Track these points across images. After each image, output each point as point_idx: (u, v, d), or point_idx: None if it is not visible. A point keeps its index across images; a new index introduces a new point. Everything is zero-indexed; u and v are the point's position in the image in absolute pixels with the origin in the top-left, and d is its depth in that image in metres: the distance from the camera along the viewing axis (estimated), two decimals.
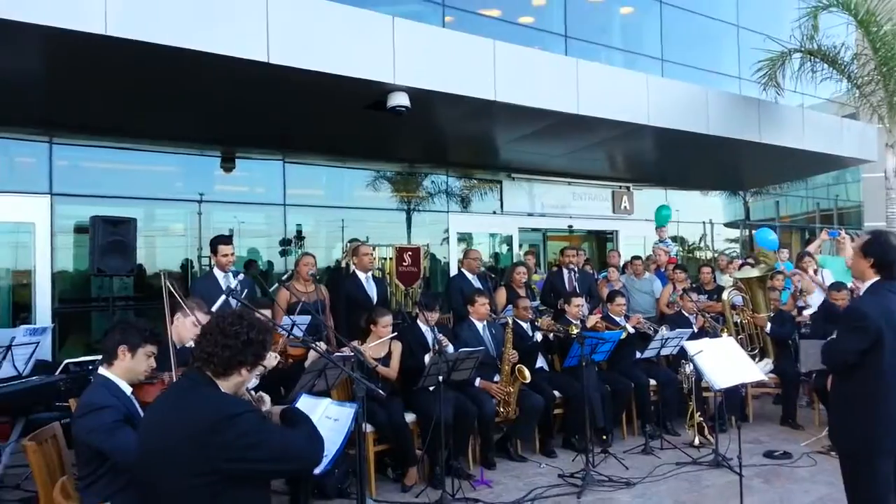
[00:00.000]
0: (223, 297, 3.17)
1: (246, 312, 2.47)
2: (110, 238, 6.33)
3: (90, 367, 5.04)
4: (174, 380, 3.36)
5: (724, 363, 4.18)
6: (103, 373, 2.96)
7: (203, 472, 2.14)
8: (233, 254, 5.57)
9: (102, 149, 7.89)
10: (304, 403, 3.27)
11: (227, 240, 5.61)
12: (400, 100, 6.39)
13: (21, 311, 7.39)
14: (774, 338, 7.25)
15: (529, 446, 5.99)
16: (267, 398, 3.11)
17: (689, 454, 5.83)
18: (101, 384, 2.92)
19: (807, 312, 7.54)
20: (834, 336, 3.39)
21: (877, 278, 3.34)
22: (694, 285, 8.89)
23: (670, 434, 6.43)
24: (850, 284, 6.60)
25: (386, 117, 6.70)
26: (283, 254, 9.18)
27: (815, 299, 7.66)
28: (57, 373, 4.39)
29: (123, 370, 2.97)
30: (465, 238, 10.82)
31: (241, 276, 4.62)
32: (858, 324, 3.24)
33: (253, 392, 2.88)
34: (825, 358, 3.44)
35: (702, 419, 6.32)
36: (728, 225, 15.17)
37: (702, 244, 14.20)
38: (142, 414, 3.02)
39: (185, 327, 3.97)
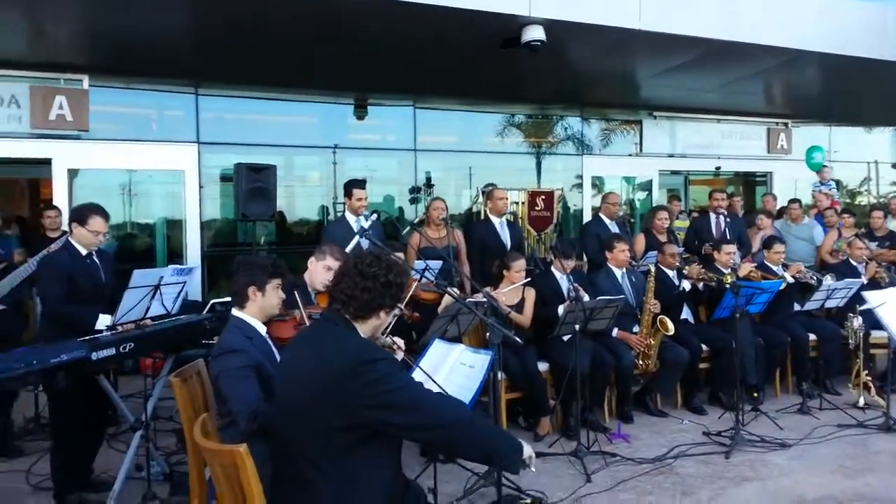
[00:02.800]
0: (356, 237, 3.10)
1: (383, 253, 2.38)
2: (253, 184, 6.56)
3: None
4: (304, 316, 3.37)
5: None
6: (237, 314, 2.98)
7: (340, 417, 2.08)
8: (366, 198, 5.56)
9: (244, 99, 8.17)
10: (438, 349, 3.20)
11: (361, 184, 5.61)
12: (535, 34, 6.03)
13: (174, 256, 7.93)
14: None
15: (671, 401, 5.64)
16: (401, 343, 3.04)
17: (853, 416, 5.26)
18: (236, 326, 2.95)
19: None
20: None
21: None
22: (863, 231, 7.98)
23: (830, 393, 5.84)
24: None
25: (518, 56, 6.38)
26: (413, 201, 9.20)
27: None
28: (204, 312, 4.60)
29: (257, 309, 2.98)
30: (598, 184, 10.33)
31: (373, 217, 4.56)
32: None
33: (388, 337, 2.82)
34: None
35: (869, 378, 5.67)
36: None
37: (864, 188, 12.73)
38: (276, 352, 3.05)
39: (318, 271, 3.97)
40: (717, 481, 4.12)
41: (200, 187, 7.87)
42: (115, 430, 4.97)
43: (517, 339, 3.03)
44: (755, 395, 5.60)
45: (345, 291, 2.25)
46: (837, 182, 11.01)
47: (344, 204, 5.77)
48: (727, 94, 9.45)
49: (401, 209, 9.36)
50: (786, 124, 11.46)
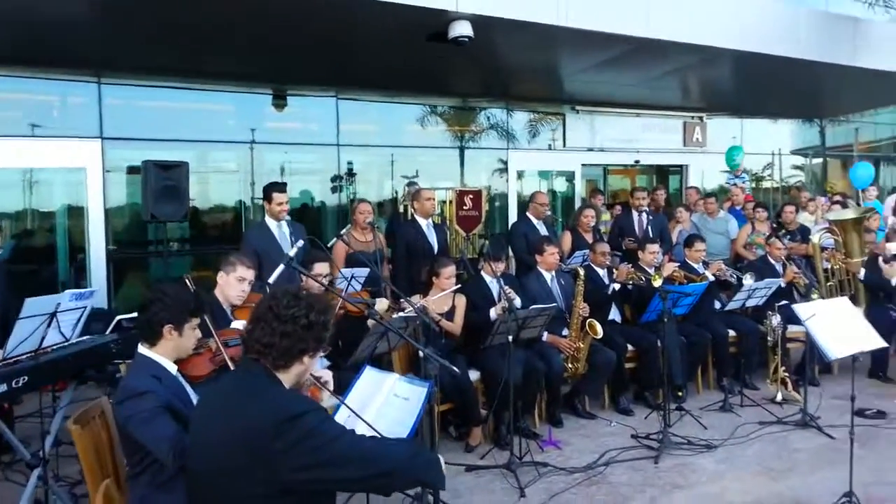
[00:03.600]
0: (281, 266, 2.87)
1: (302, 290, 2.14)
2: (163, 183, 6.15)
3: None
4: (220, 347, 3.11)
5: (839, 329, 3.71)
6: (145, 353, 2.67)
7: (266, 484, 1.86)
8: (287, 202, 5.27)
9: (152, 89, 7.64)
10: (369, 379, 2.99)
11: (281, 187, 5.31)
12: (462, 29, 5.88)
13: (76, 256, 7.37)
14: (868, 284, 6.66)
15: (598, 402, 5.68)
16: (329, 379, 2.85)
17: (772, 412, 5.43)
18: (143, 366, 2.65)
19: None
20: None
21: None
22: (774, 224, 8.30)
23: (749, 388, 6.02)
24: None
25: (445, 49, 6.20)
26: (335, 190, 8.91)
27: None
28: (108, 331, 4.24)
29: (170, 349, 2.68)
30: (523, 175, 10.33)
31: (300, 244, 4.22)
32: None
33: (313, 373, 2.61)
34: None
35: (786, 374, 5.87)
36: (796, 152, 14.16)
37: (767, 174, 13.32)
38: (189, 391, 2.79)
39: (230, 284, 3.71)
40: (648, 489, 4.14)
41: (104, 185, 7.31)
42: (10, 458, 4.53)
43: (455, 368, 2.88)
44: (679, 393, 5.71)
45: (261, 340, 2.02)
46: (746, 171, 11.43)
47: (264, 208, 5.45)
48: (646, 90, 9.60)
49: (323, 203, 9.06)
50: (701, 118, 11.78)
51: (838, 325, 3.73)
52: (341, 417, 2.60)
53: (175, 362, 2.74)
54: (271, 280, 3.05)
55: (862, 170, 9.75)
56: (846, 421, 3.82)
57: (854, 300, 6.63)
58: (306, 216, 8.63)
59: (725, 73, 9.13)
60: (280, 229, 5.16)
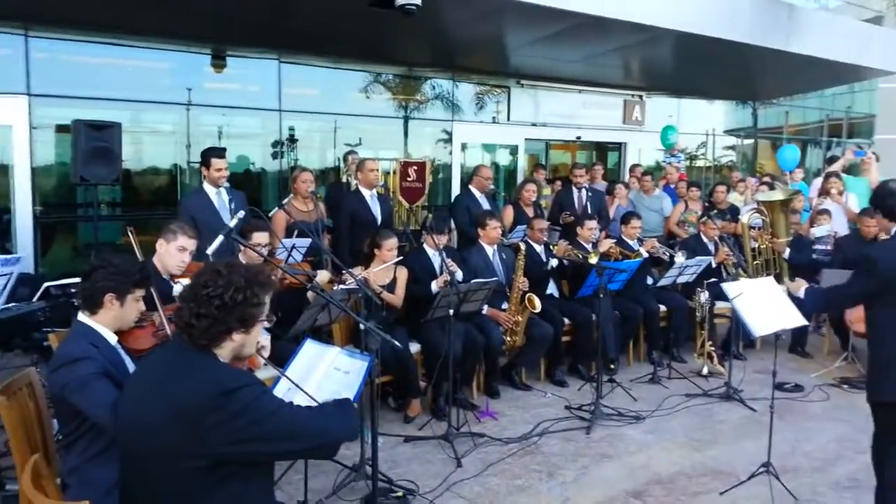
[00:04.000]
0: (220, 237, 2.80)
1: (227, 266, 2.06)
2: (94, 144, 5.87)
3: (72, 291, 4.74)
4: (164, 321, 3.04)
5: (764, 307, 3.89)
6: (85, 321, 2.60)
7: (200, 458, 1.86)
8: (226, 168, 5.14)
9: (84, 44, 7.23)
10: (309, 351, 2.98)
11: (220, 153, 5.16)
12: None
13: (2, 213, 7.01)
14: (792, 264, 6.98)
15: (534, 374, 5.82)
16: (266, 345, 2.81)
17: (698, 385, 5.69)
18: (81, 333, 2.58)
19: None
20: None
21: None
22: (706, 203, 8.58)
23: (677, 361, 6.28)
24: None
25: (391, 17, 6.10)
26: (276, 156, 8.72)
27: (837, 223, 7.33)
28: (35, 298, 4.07)
29: (110, 318, 2.62)
30: (466, 148, 10.34)
31: (240, 214, 4.01)
32: (867, 267, 3.15)
33: None
34: (834, 299, 3.61)
35: (712, 348, 6.14)
36: (729, 133, 14.66)
37: (701, 153, 13.76)
38: (129, 363, 2.73)
39: (170, 253, 3.62)
40: (580, 459, 4.30)
41: (31, 144, 6.93)
42: None
43: (397, 343, 2.90)
44: (612, 366, 5.90)
45: (183, 318, 1.99)
46: (682, 150, 11.76)
47: (201, 173, 5.29)
48: (589, 67, 9.72)
49: (263, 170, 8.85)
50: (640, 97, 12.00)
51: (763, 304, 3.92)
52: (281, 390, 2.59)
53: (117, 334, 2.67)
54: (210, 251, 2.97)
55: (789, 153, 10.15)
56: (767, 394, 4.04)
57: (779, 279, 6.97)
58: (246, 182, 8.42)
59: (666, 53, 9.31)
60: (219, 196, 5.04)
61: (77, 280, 4.72)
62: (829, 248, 6.71)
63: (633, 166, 9.72)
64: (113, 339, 2.66)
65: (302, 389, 2.46)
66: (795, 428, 4.85)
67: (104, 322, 2.62)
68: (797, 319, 3.96)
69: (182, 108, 7.91)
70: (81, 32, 7.11)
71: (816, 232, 6.99)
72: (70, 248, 7.56)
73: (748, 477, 3.92)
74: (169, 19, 6.97)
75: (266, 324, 2.22)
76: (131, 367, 2.67)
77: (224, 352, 2.05)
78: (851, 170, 9.11)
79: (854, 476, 4.06)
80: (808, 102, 16.04)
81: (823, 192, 7.79)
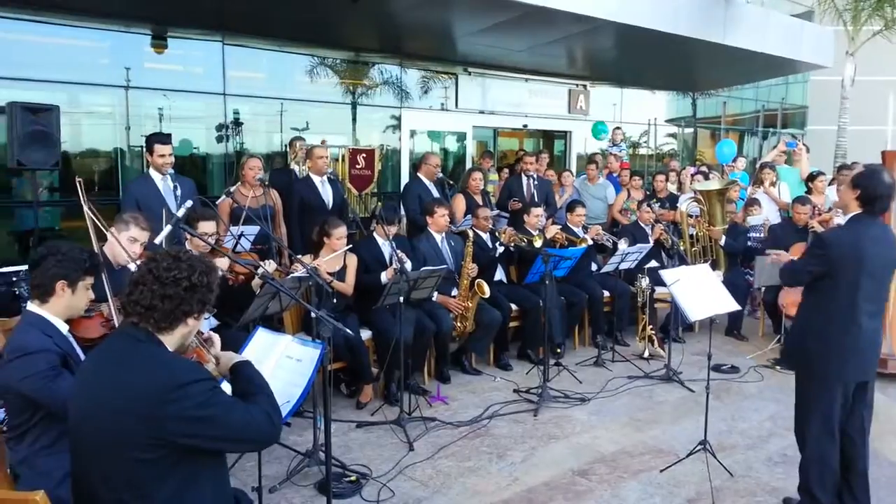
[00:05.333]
0: (169, 227, 2.77)
1: (184, 252, 2.11)
2: (31, 128, 5.65)
3: (13, 279, 4.60)
4: (112, 311, 3.00)
5: (699, 293, 4.08)
6: (35, 310, 2.57)
7: (150, 449, 1.87)
8: (171, 154, 5.03)
9: (16, 22, 6.91)
10: (262, 339, 3.00)
11: (164, 138, 5.04)
12: None
13: None
14: (727, 250, 7.29)
15: (484, 359, 5.93)
16: (216, 340, 2.81)
17: (640, 367, 5.90)
18: (33, 323, 2.54)
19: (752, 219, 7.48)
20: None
21: (858, 211, 3.32)
22: (647, 192, 8.85)
23: (620, 345, 6.49)
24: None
25: (340, 1, 6.06)
26: (220, 140, 8.55)
27: (768, 212, 7.67)
28: None
29: (62, 307, 2.60)
30: (415, 134, 10.35)
31: (188, 204, 3.85)
32: (819, 251, 3.32)
33: (200, 332, 2.58)
34: (784, 275, 3.64)
35: (653, 332, 6.37)
36: (670, 122, 15.09)
37: (643, 141, 14.14)
38: (79, 352, 2.70)
39: (120, 246, 3.56)
40: (528, 440, 4.42)
41: None
42: None
43: (348, 331, 2.93)
44: (558, 350, 6.06)
45: (141, 302, 1.99)
46: (625, 139, 12.06)
47: (144, 159, 5.17)
48: (535, 56, 9.83)
49: (207, 154, 8.67)
50: (584, 86, 12.22)
51: (699, 290, 4.11)
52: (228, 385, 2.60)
53: (66, 322, 2.64)
54: (159, 240, 2.94)
55: (726, 147, 10.56)
56: (705, 376, 4.24)
57: (715, 265, 7.29)
58: (190, 167, 8.25)
59: (608, 44, 9.51)
60: (165, 183, 4.93)
61: (15, 269, 4.62)
62: (762, 235, 7.03)
63: (593, 155, 9.78)
64: (64, 328, 2.64)
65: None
66: (731, 407, 5.10)
67: (55, 311, 2.60)
68: (730, 304, 4.17)
69: (121, 90, 7.67)
70: (15, 11, 6.80)
71: (751, 221, 7.30)
72: (6, 234, 7.27)
73: (686, 454, 4.11)
74: None
75: (207, 313, 2.25)
76: (82, 355, 2.65)
77: (174, 339, 2.07)
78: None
79: (785, 452, 4.30)
80: (745, 94, 16.64)
81: (757, 183, 8.13)
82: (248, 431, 2.02)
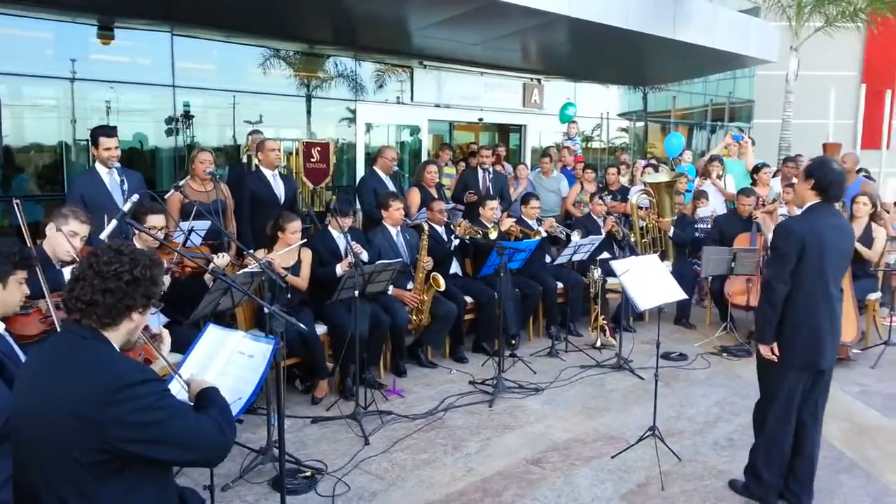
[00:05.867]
0: (114, 222, 2.71)
1: (126, 246, 2.06)
2: None
3: None
4: (50, 308, 2.93)
5: (648, 283, 4.18)
6: None
7: (93, 450, 1.82)
8: (116, 147, 4.90)
9: None
10: (213, 336, 2.96)
11: (109, 131, 4.91)
12: None
13: None
14: (676, 241, 7.47)
15: (440, 351, 5.97)
16: (167, 338, 2.79)
17: (592, 357, 6.01)
18: None
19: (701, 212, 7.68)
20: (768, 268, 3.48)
21: (816, 201, 3.37)
22: (600, 185, 8.99)
23: (573, 335, 6.61)
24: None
25: None
26: (170, 133, 8.38)
27: (715, 204, 7.89)
28: None
29: None
30: (371, 128, 10.31)
31: (135, 198, 3.71)
32: (784, 240, 3.31)
33: (149, 329, 2.55)
34: (763, 296, 3.45)
35: (605, 322, 6.50)
36: (622, 116, 15.36)
37: (596, 134, 14.37)
38: (17, 350, 2.63)
39: (61, 239, 3.47)
40: (483, 431, 4.48)
41: None
42: None
43: (302, 325, 2.93)
44: (513, 341, 6.14)
45: (82, 298, 1.93)
46: (579, 133, 12.24)
47: (90, 153, 5.03)
48: (490, 50, 9.89)
49: (156, 147, 8.49)
50: (539, 80, 12.33)
51: (648, 280, 4.22)
52: (175, 386, 2.56)
53: (2, 320, 2.57)
54: (104, 235, 2.87)
55: (674, 139, 10.80)
56: (654, 363, 4.34)
57: (664, 255, 7.46)
58: (138, 161, 8.07)
59: (561, 38, 9.63)
60: (111, 177, 4.81)
61: None
62: (709, 226, 7.23)
63: (548, 149, 9.86)
64: (0, 326, 2.56)
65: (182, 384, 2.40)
66: (680, 394, 5.24)
67: None
68: (678, 294, 4.28)
69: (66, 82, 7.45)
70: None
71: (700, 212, 7.50)
72: None
73: (636, 441, 4.22)
74: None
75: (153, 308, 2.21)
76: (20, 353, 2.59)
77: (119, 335, 2.02)
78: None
79: (731, 436, 4.45)
80: (694, 88, 17.02)
81: (704, 175, 8.34)
82: (196, 440, 1.95)
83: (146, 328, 2.61)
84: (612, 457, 4.12)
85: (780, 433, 3.46)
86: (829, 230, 3.31)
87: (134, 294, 1.98)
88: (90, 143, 5.01)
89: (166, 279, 3.65)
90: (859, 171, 8.35)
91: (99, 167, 4.87)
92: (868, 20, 12.07)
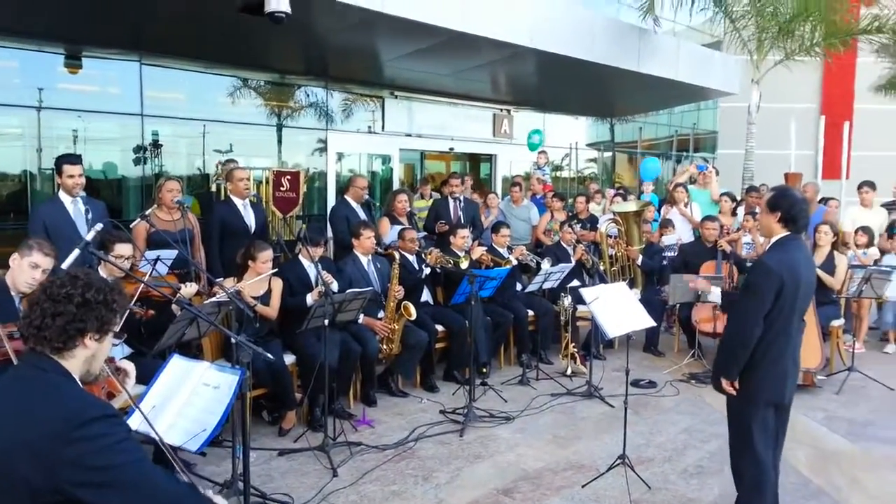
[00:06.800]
0: (76, 251, 2.67)
1: (83, 272, 1.99)
2: None
3: None
4: (3, 339, 2.86)
5: (617, 310, 4.22)
6: None
7: (45, 492, 1.71)
8: (81, 175, 4.84)
9: None
10: (177, 367, 2.91)
11: (73, 159, 4.85)
12: (279, 4, 5.74)
13: None
14: (644, 269, 7.57)
15: (411, 381, 5.93)
16: (132, 371, 2.73)
17: (563, 384, 6.02)
18: None
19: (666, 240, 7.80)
20: (739, 307, 3.34)
21: (784, 233, 3.28)
22: (569, 213, 9.10)
23: (544, 363, 6.61)
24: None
25: (261, 22, 6.02)
26: (138, 162, 8.29)
27: (681, 231, 8.02)
28: None
29: None
30: (342, 157, 10.34)
31: (98, 227, 3.64)
32: (764, 279, 3.18)
33: (112, 363, 2.49)
34: (737, 337, 3.29)
35: (575, 349, 6.52)
36: (590, 146, 15.62)
37: (565, 164, 14.58)
38: None
39: (22, 269, 3.40)
40: (454, 461, 4.44)
41: None
42: None
43: (269, 355, 2.89)
44: (484, 370, 6.13)
45: (34, 323, 1.87)
46: (548, 163, 12.41)
47: (52, 179, 4.96)
48: (460, 80, 10.04)
49: (123, 177, 8.39)
50: (508, 111, 12.51)
51: (617, 307, 4.25)
52: (144, 408, 2.51)
53: None
54: (65, 265, 2.82)
55: (650, 164, 11.02)
56: (624, 391, 4.36)
57: (633, 283, 7.55)
58: (105, 190, 7.97)
59: (529, 70, 9.80)
60: (75, 206, 4.75)
61: None
62: (676, 254, 7.34)
63: (519, 178, 9.96)
64: None
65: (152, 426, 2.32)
66: (649, 421, 5.26)
67: None
68: (646, 321, 4.33)
69: (33, 110, 7.37)
70: None
71: (666, 241, 7.62)
72: None
73: (606, 469, 4.21)
74: (18, 15, 6.48)
75: (115, 340, 2.16)
76: None
77: (76, 363, 1.93)
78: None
79: (699, 463, 4.46)
80: (660, 119, 17.40)
81: (670, 202, 8.50)
82: (155, 492, 1.83)
83: (110, 360, 2.56)
84: (583, 486, 4.10)
85: (766, 458, 3.35)
86: (803, 265, 3.26)
87: (84, 317, 1.90)
88: (55, 171, 4.94)
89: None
90: (821, 200, 8.59)
91: (63, 196, 4.80)
92: (824, 54, 12.48)
